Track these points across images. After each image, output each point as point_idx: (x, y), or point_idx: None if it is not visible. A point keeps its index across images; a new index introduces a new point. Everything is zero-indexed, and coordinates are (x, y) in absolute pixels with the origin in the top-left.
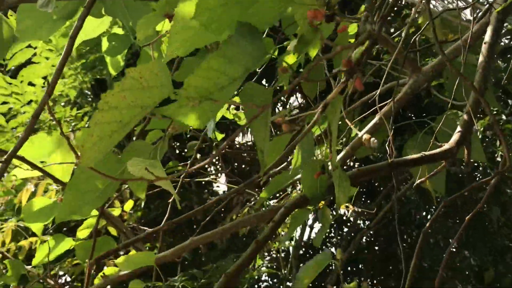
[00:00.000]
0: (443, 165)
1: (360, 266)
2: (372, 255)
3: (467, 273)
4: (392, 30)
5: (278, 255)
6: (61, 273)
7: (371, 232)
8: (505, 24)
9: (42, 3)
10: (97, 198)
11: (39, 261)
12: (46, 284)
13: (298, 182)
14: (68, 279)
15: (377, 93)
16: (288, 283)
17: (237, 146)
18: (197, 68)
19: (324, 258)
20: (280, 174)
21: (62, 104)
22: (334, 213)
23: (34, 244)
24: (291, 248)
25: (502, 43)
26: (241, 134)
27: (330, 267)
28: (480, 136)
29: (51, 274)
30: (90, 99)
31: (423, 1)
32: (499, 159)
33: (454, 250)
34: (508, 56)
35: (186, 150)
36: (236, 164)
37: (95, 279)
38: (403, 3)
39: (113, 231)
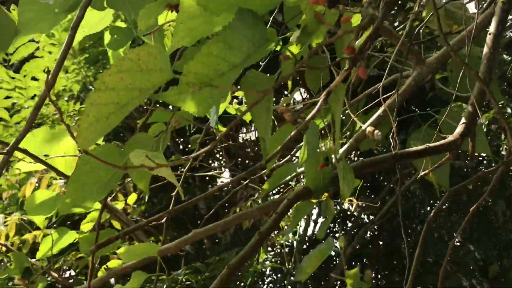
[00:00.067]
0: (447, 157)
1: (364, 261)
2: (376, 249)
3: (471, 267)
4: (396, 24)
5: (282, 250)
6: (65, 267)
7: (375, 226)
8: (510, 17)
9: None
10: (100, 190)
11: (43, 254)
12: (50, 277)
13: (302, 176)
14: (73, 273)
15: (381, 85)
16: (292, 278)
17: (241, 142)
18: (197, 54)
19: (327, 247)
20: (283, 166)
21: (66, 98)
22: (338, 207)
23: (37, 238)
24: (295, 243)
25: (507, 36)
26: (245, 130)
27: (334, 262)
28: (484, 130)
29: (55, 267)
30: None
31: None
32: (504, 153)
33: (458, 244)
34: None
35: (189, 146)
36: (240, 159)
37: (99, 272)
38: None
39: (117, 225)
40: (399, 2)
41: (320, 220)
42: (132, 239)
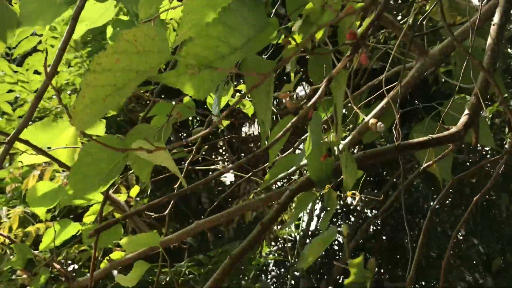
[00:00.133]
0: (450, 149)
1: (367, 255)
2: (379, 244)
3: (474, 261)
4: (399, 18)
5: (285, 244)
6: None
7: (378, 221)
8: None
9: None
10: (102, 181)
11: (46, 245)
12: (52, 269)
13: (304, 168)
14: (76, 266)
15: (383, 77)
16: (295, 273)
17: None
18: (196, 35)
19: (330, 234)
20: (284, 157)
21: (68, 92)
22: (341, 202)
23: (41, 231)
24: (297, 237)
25: (511, 29)
26: (248, 124)
27: (338, 257)
28: (488, 123)
29: (57, 259)
30: None
31: None
32: (507, 146)
33: (461, 238)
34: None
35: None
36: (242, 154)
37: (101, 264)
38: None
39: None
40: None
41: (323, 215)
42: (135, 232)
